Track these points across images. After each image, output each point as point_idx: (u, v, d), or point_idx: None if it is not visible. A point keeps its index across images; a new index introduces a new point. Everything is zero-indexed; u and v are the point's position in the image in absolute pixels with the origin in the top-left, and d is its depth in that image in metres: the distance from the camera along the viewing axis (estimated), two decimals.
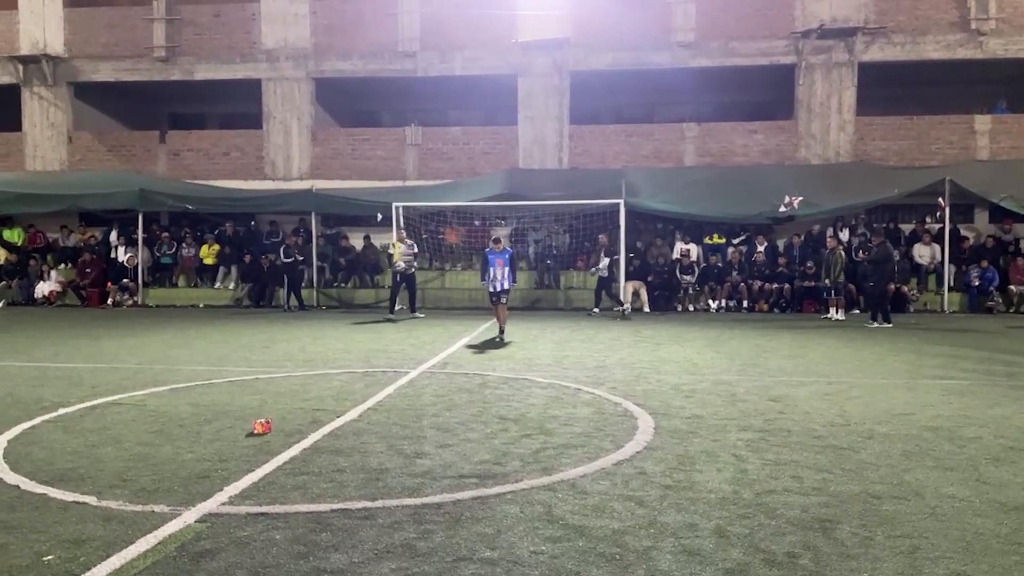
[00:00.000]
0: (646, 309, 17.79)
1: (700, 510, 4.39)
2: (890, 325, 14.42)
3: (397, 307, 16.77)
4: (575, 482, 4.92)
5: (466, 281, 18.95)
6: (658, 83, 21.33)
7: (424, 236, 19.64)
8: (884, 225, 18.48)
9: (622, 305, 16.90)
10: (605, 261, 17.36)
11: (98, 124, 22.94)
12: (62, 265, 20.96)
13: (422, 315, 16.41)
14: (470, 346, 11.77)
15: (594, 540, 3.95)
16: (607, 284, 17.45)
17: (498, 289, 12.52)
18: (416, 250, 16.75)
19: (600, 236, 18.03)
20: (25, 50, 21.82)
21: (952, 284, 17.80)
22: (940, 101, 20.96)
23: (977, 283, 17.46)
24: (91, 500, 4.56)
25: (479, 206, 19.06)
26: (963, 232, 18.72)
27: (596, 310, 17.27)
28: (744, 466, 5.28)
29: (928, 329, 14.09)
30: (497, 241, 12.89)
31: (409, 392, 8.00)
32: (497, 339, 12.24)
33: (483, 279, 13.04)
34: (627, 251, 18.08)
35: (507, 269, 12.52)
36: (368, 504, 4.48)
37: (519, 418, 6.74)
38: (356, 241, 20.41)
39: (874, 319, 14.69)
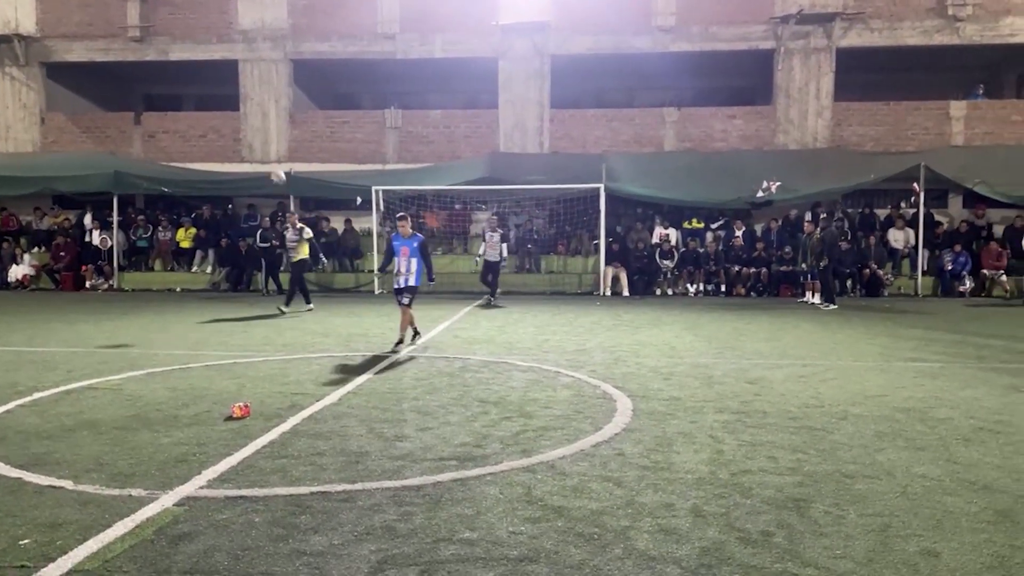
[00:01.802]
0: (625, 293, 17.88)
1: (677, 490, 4.45)
2: (835, 306, 14.88)
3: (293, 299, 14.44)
4: (554, 463, 4.95)
5: (447, 266, 18.91)
6: (638, 68, 21.33)
7: None
8: (834, 209, 18.58)
9: (493, 297, 15.89)
10: (495, 238, 15.94)
11: (72, 105, 22.55)
12: (35, 248, 20.65)
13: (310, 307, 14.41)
14: (450, 330, 11.77)
15: (573, 520, 3.99)
16: (495, 268, 16.06)
17: (401, 286, 9.78)
18: (306, 235, 14.31)
19: (489, 216, 16.95)
20: None
21: (926, 268, 18.05)
22: (917, 87, 21.16)
23: (950, 267, 17.71)
24: (67, 484, 4.53)
25: (460, 190, 19.01)
26: (937, 217, 18.96)
27: (493, 298, 15.90)
28: (720, 447, 5.34)
29: (901, 312, 14.28)
30: (403, 219, 9.97)
31: (389, 376, 8.00)
32: (392, 350, 9.53)
33: (382, 269, 10.81)
34: (607, 235, 18.14)
35: (414, 261, 9.77)
36: (348, 487, 4.49)
37: (499, 401, 6.76)
38: (337, 224, 20.28)
39: (827, 301, 15.18)
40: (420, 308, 14.84)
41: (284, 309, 13.79)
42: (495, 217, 16.65)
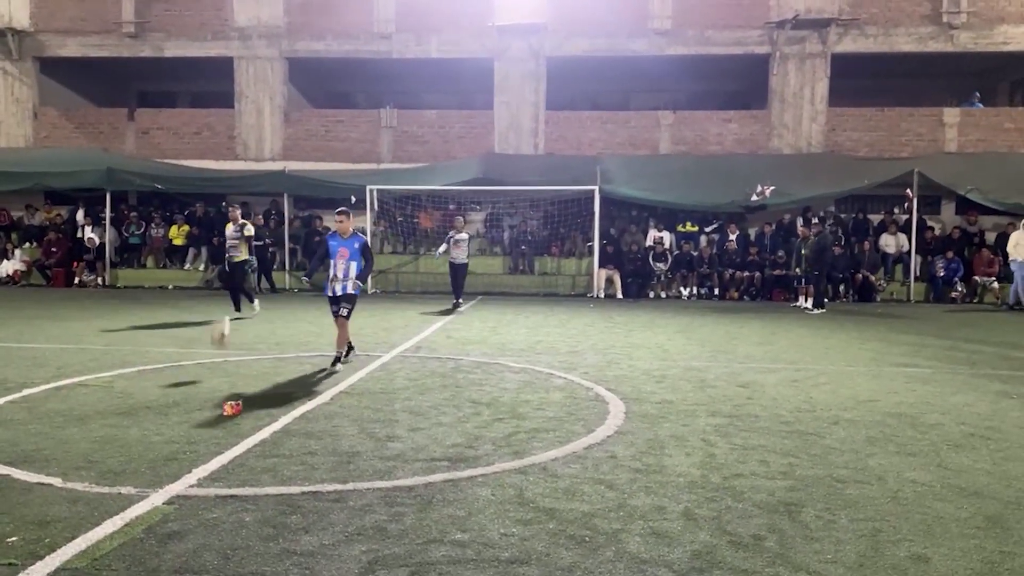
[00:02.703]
0: (619, 295, 17.90)
1: (669, 493, 4.45)
2: (823, 311, 15.03)
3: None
4: (546, 465, 4.95)
5: (440, 266, 18.87)
6: (634, 70, 21.36)
7: (399, 220, 19.56)
8: (824, 215, 18.65)
9: (459, 300, 15.09)
10: (462, 240, 15.09)
11: (65, 100, 22.44)
12: (27, 244, 20.54)
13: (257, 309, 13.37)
14: (443, 331, 11.75)
15: (564, 523, 3.98)
16: (462, 272, 15.27)
17: (336, 294, 8.38)
18: (247, 232, 13.04)
19: (457, 217, 15.91)
20: None
21: (918, 274, 18.11)
22: (911, 93, 21.25)
23: (942, 273, 17.79)
24: (56, 481, 4.50)
25: (454, 190, 19.00)
26: (929, 223, 19.04)
27: (458, 302, 15.16)
28: (712, 450, 5.35)
29: (894, 318, 14.33)
30: (343, 215, 8.47)
31: (382, 376, 7.98)
32: (327, 370, 8.16)
33: (308, 276, 9.50)
34: (601, 237, 18.16)
35: (353, 264, 8.35)
36: (339, 487, 4.48)
37: (491, 402, 6.75)
38: (330, 223, 20.23)
39: (816, 306, 15.31)
40: (412, 308, 14.88)
41: (236, 315, 12.50)
42: (461, 219, 15.58)
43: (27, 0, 21.43)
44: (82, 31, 21.39)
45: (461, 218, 15.67)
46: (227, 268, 13.30)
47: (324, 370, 8.19)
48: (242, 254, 12.98)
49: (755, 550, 3.68)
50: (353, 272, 8.38)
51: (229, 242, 13.08)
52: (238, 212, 13.34)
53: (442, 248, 15.25)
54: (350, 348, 8.78)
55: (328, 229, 20.26)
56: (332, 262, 8.38)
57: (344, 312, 8.42)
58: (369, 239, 18.78)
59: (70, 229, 20.45)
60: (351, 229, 8.50)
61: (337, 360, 8.38)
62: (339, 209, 8.66)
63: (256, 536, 3.75)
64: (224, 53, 21.14)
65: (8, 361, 8.56)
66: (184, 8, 21.17)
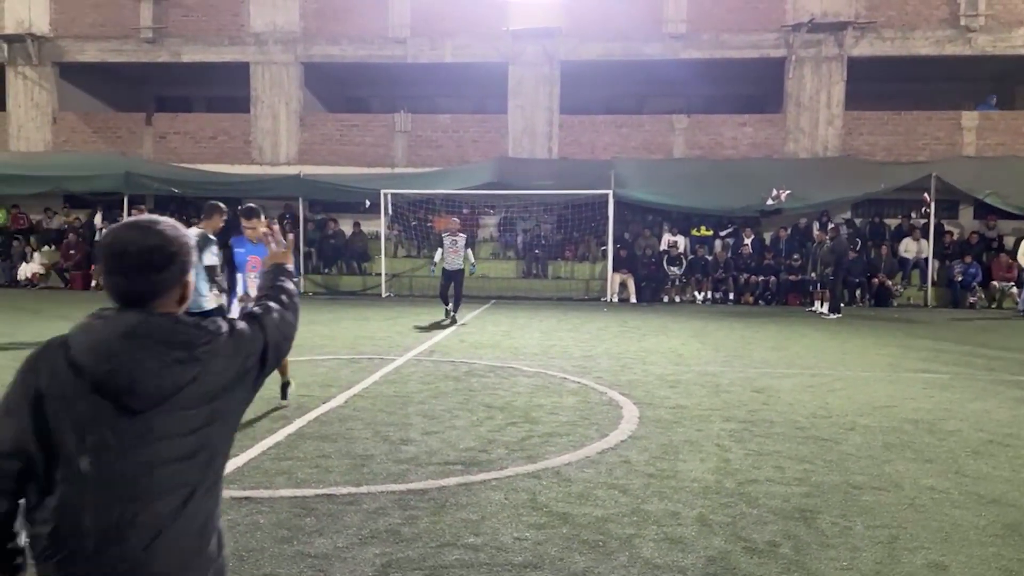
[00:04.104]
0: (633, 300, 17.85)
1: (683, 499, 4.43)
2: (839, 315, 14.90)
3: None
4: (560, 470, 4.94)
5: None
6: (649, 74, 21.32)
7: (413, 224, 19.62)
8: (833, 221, 18.50)
9: (455, 311, 13.49)
10: (458, 243, 13.43)
11: (83, 105, 22.68)
12: (45, 247, 20.77)
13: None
14: (457, 334, 11.77)
15: (578, 527, 3.97)
16: (458, 279, 13.46)
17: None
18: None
19: (450, 219, 14.54)
20: (10, 29, 21.51)
21: (936, 279, 17.95)
22: (928, 97, 21.07)
23: (960, 278, 17.61)
24: None
25: (468, 194, 19.02)
26: (947, 228, 18.87)
27: (449, 307, 13.48)
28: (727, 456, 5.32)
29: (911, 323, 14.21)
30: (251, 215, 6.78)
31: (395, 379, 8.00)
32: (279, 405, 6.64)
33: (231, 297, 7.06)
34: (615, 241, 18.13)
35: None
36: (353, 489, 4.49)
37: (505, 406, 6.75)
38: (345, 227, 20.34)
39: (833, 311, 15.16)
40: (425, 312, 14.89)
41: None
42: (456, 220, 14.18)
43: (47, 6, 21.69)
44: (101, 36, 21.61)
45: (456, 219, 14.51)
46: None
47: (347, 370, 8.22)
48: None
49: (770, 557, 3.65)
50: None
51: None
52: (145, 213, 11.11)
53: (437, 256, 13.61)
54: (286, 384, 6.73)
55: (343, 233, 20.44)
56: (240, 277, 6.71)
57: None
58: (383, 243, 19.02)
59: (88, 233, 20.65)
60: (262, 228, 6.11)
61: (285, 387, 6.71)
62: (246, 207, 6.82)
63: (271, 538, 3.77)
64: (240, 58, 21.29)
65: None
66: (201, 14, 21.36)
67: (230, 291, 6.85)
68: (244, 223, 6.60)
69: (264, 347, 1.82)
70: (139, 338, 1.61)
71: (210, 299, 6.79)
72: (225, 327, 1.76)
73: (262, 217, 6.67)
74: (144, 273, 1.65)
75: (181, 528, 1.63)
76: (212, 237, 6.87)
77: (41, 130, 22.00)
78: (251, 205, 6.90)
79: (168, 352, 1.62)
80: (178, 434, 1.63)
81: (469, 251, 13.77)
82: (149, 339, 1.62)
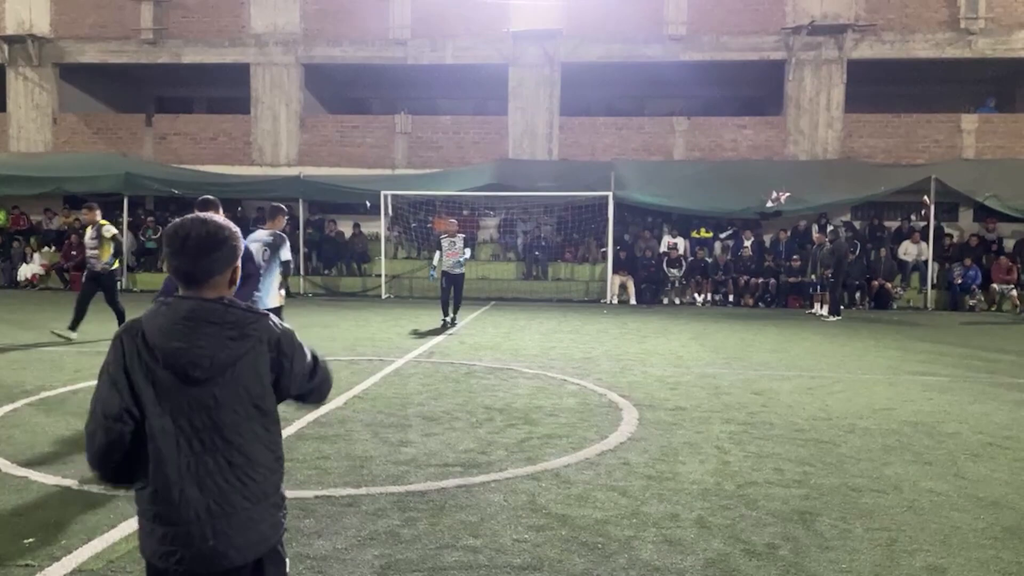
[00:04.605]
0: (632, 301, 17.86)
1: (682, 501, 4.43)
2: (839, 318, 14.92)
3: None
4: (559, 472, 4.94)
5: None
6: (649, 76, 21.34)
7: (413, 225, 19.63)
8: (831, 222, 18.53)
9: (455, 314, 13.06)
10: (457, 245, 12.76)
11: (84, 106, 22.70)
12: (45, 248, 20.77)
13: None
14: (457, 336, 11.77)
15: (577, 529, 3.98)
16: (458, 282, 12.88)
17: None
18: (107, 234, 10.71)
19: (448, 220, 13.87)
20: (11, 30, 21.53)
21: (935, 282, 17.95)
22: (928, 100, 21.09)
23: (960, 281, 17.62)
24: (73, 484, 4.54)
25: (468, 196, 19.04)
26: (947, 230, 18.88)
27: (449, 319, 12.89)
28: (726, 458, 5.32)
29: (911, 325, 14.21)
30: (275, 212, 7.19)
31: (395, 380, 8.00)
32: None
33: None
34: (615, 243, 18.14)
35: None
36: (352, 491, 4.49)
37: (504, 408, 6.75)
38: (345, 228, 20.35)
39: (832, 313, 15.19)
40: (425, 313, 14.88)
41: (67, 335, 10.46)
42: (454, 221, 13.39)
43: (48, 7, 21.71)
44: (101, 37, 21.64)
45: (453, 220, 13.68)
46: (92, 280, 10.70)
47: (346, 371, 8.21)
48: (102, 262, 10.63)
49: (769, 559, 3.65)
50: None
51: (88, 248, 10.77)
52: (95, 212, 10.80)
53: (436, 259, 13.02)
54: None
55: (343, 234, 20.45)
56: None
57: None
58: (383, 244, 19.02)
59: None
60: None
61: None
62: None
63: None
64: (241, 59, 21.31)
65: (26, 364, 8.64)
66: (202, 15, 21.38)
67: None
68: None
69: (286, 362, 2.06)
70: (196, 320, 1.94)
71: (276, 298, 7.36)
72: (273, 317, 2.08)
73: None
74: (204, 252, 1.97)
75: (242, 486, 1.97)
76: (284, 235, 7.46)
77: (41, 131, 22.02)
78: (278, 205, 7.27)
79: (220, 331, 1.95)
80: (237, 402, 1.97)
81: (467, 250, 13.03)
82: (204, 321, 1.95)
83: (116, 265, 10.94)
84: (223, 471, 1.95)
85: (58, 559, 3.52)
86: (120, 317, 10.75)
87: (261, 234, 7.49)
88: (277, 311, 7.37)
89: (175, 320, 1.94)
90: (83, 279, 11.00)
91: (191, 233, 1.98)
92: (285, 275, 7.44)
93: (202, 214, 2.08)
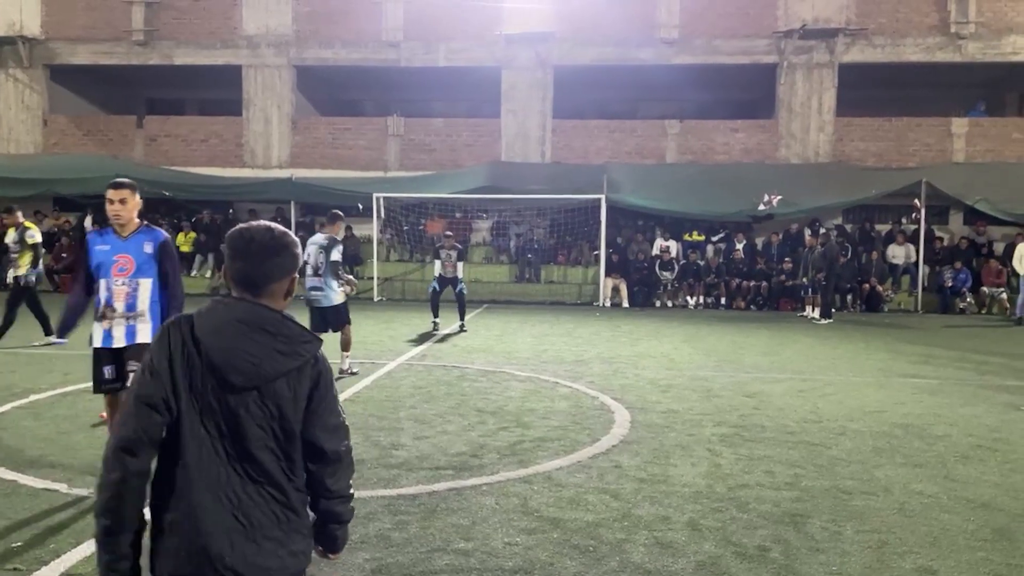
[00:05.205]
0: (625, 304, 17.87)
1: (674, 503, 4.43)
2: (830, 321, 14.96)
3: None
4: (551, 475, 4.94)
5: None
6: (641, 79, 21.38)
7: (405, 228, 19.61)
8: (833, 227, 18.59)
9: (437, 320, 12.80)
10: (452, 257, 12.73)
11: (74, 108, 22.59)
12: None
13: None
14: (449, 339, 11.75)
15: (568, 532, 3.97)
16: (455, 283, 12.67)
17: (112, 344, 4.62)
18: (30, 240, 10.36)
19: (442, 232, 13.80)
20: (1, 31, 21.40)
21: (926, 285, 18.04)
22: (919, 104, 21.20)
23: (950, 284, 17.70)
24: (62, 487, 4.51)
25: (461, 198, 19.03)
26: (938, 233, 18.97)
27: (439, 319, 12.79)
28: (718, 460, 5.33)
29: (901, 328, 14.27)
30: (122, 189, 4.58)
31: (387, 384, 7.99)
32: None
33: (61, 334, 5.28)
34: (607, 246, 18.16)
35: (146, 285, 4.61)
36: None
37: (497, 411, 6.75)
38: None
39: (824, 316, 15.23)
40: (418, 316, 14.84)
41: (50, 341, 10.08)
42: (449, 234, 13.24)
43: (38, 8, 21.61)
44: (92, 39, 21.54)
45: (449, 234, 13.38)
46: (15, 286, 10.25)
47: (337, 374, 8.18)
48: (23, 268, 10.16)
49: (760, 561, 3.66)
50: (146, 300, 4.59)
51: (11, 253, 10.26)
52: (18, 214, 10.45)
53: (437, 268, 12.81)
54: None
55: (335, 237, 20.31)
56: (103, 284, 4.55)
57: (117, 384, 4.57)
58: (375, 247, 19.00)
59: (78, 235, 20.56)
60: (136, 218, 4.64)
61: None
62: (115, 181, 4.66)
63: None
64: (232, 61, 21.25)
65: (15, 366, 8.59)
66: (193, 16, 21.31)
67: (68, 324, 4.87)
68: (108, 203, 4.55)
69: (317, 395, 1.98)
70: (249, 324, 1.88)
71: (339, 294, 8.33)
72: (321, 350, 2.02)
73: (135, 192, 4.65)
74: (268, 256, 1.93)
75: (261, 508, 1.88)
76: (338, 239, 8.44)
77: (31, 132, 21.90)
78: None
79: (272, 341, 1.89)
80: (269, 418, 1.89)
81: (460, 264, 12.85)
82: (257, 327, 1.89)
83: (32, 277, 10.26)
84: (245, 485, 1.87)
85: (46, 563, 3.49)
86: (43, 323, 10.33)
87: (319, 238, 8.41)
88: (342, 306, 8.44)
89: (229, 320, 1.88)
90: (14, 286, 10.37)
91: (256, 237, 1.94)
92: (334, 274, 8.19)
93: (263, 221, 2.03)
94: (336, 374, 8.35)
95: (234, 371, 1.84)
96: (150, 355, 1.90)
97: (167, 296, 4.66)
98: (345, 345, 8.53)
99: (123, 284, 4.56)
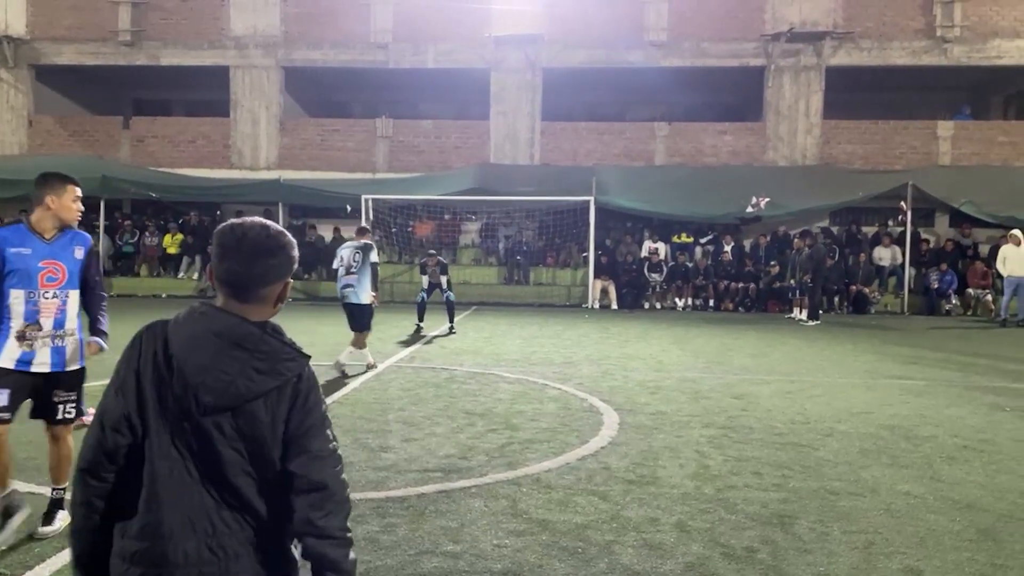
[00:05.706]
0: (614, 306, 17.90)
1: (662, 505, 4.44)
2: (817, 322, 15.03)
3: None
4: (540, 476, 4.93)
5: None
6: (630, 82, 21.44)
7: (393, 230, 19.57)
8: (819, 229, 18.72)
9: (421, 324, 13.17)
10: (438, 270, 13.37)
11: (60, 108, 22.43)
12: None
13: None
14: (438, 341, 11.74)
15: (557, 534, 3.97)
16: (442, 290, 13.27)
17: (37, 368, 3.91)
18: None
19: (427, 255, 13.93)
20: None
21: (912, 287, 18.16)
22: (905, 107, 21.37)
23: (936, 286, 17.83)
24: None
25: (450, 200, 19.01)
26: (924, 236, 19.12)
27: (424, 322, 13.21)
28: (706, 462, 5.34)
29: (888, 330, 14.36)
30: (62, 185, 4.23)
31: (375, 386, 7.96)
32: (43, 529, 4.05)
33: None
34: (596, 248, 18.19)
35: (72, 298, 4.01)
36: None
37: (485, 413, 6.74)
38: (325, 233, 20.24)
39: (811, 317, 15.30)
40: (407, 318, 14.81)
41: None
42: (433, 254, 13.82)
43: (24, 8, 21.45)
44: (78, 39, 21.40)
45: (433, 253, 13.92)
46: None
47: (326, 376, 8.15)
48: None
49: (748, 562, 3.67)
50: (74, 315, 4.04)
51: None
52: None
53: (425, 282, 13.45)
54: (57, 505, 4.03)
55: (323, 238, 20.34)
56: (22, 295, 3.85)
57: (69, 412, 4.07)
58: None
59: None
60: (75, 216, 4.14)
61: (53, 509, 4.01)
62: (66, 176, 4.39)
63: None
64: (220, 62, 21.16)
65: None
66: (180, 17, 21.21)
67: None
68: (43, 200, 4.19)
69: (296, 415, 1.76)
70: (226, 340, 1.70)
71: (368, 294, 8.83)
72: (308, 367, 1.82)
73: (73, 189, 4.31)
74: (260, 257, 1.75)
75: (234, 534, 1.71)
76: (372, 245, 9.12)
77: (16, 133, 21.73)
78: (364, 227, 9.59)
79: (251, 359, 1.70)
80: (243, 441, 1.70)
81: (444, 277, 13.33)
82: (235, 343, 1.70)
83: None
84: (220, 510, 1.69)
85: (31, 567, 3.46)
86: None
87: (353, 243, 9.10)
88: (367, 308, 8.89)
89: (206, 332, 1.70)
90: None
91: (248, 234, 1.74)
92: (373, 274, 8.90)
93: (258, 218, 1.83)
94: (345, 366, 8.37)
95: (205, 389, 1.66)
96: (117, 368, 1.75)
97: (94, 300, 4.15)
98: (355, 344, 8.84)
99: (53, 297, 3.89)
